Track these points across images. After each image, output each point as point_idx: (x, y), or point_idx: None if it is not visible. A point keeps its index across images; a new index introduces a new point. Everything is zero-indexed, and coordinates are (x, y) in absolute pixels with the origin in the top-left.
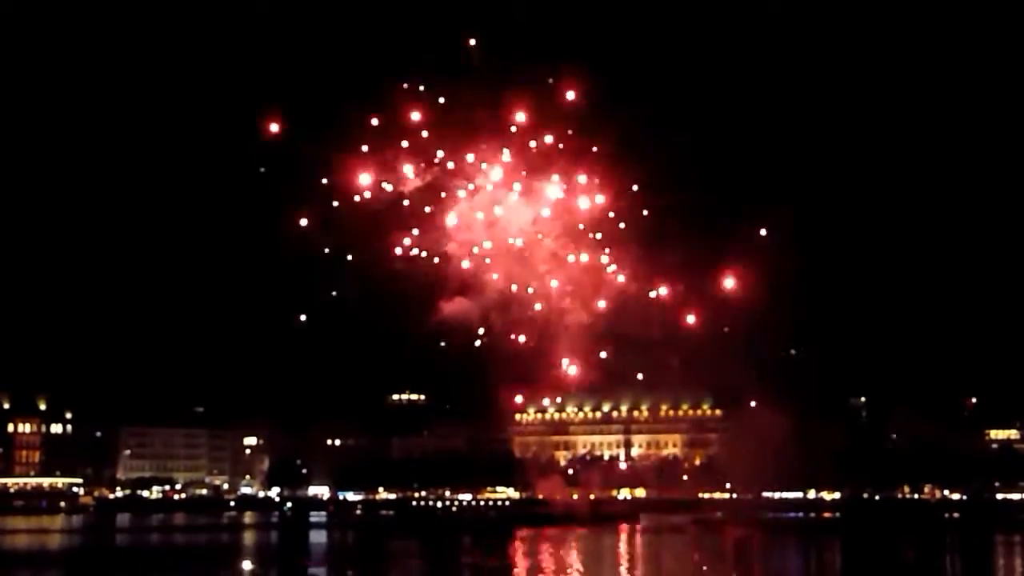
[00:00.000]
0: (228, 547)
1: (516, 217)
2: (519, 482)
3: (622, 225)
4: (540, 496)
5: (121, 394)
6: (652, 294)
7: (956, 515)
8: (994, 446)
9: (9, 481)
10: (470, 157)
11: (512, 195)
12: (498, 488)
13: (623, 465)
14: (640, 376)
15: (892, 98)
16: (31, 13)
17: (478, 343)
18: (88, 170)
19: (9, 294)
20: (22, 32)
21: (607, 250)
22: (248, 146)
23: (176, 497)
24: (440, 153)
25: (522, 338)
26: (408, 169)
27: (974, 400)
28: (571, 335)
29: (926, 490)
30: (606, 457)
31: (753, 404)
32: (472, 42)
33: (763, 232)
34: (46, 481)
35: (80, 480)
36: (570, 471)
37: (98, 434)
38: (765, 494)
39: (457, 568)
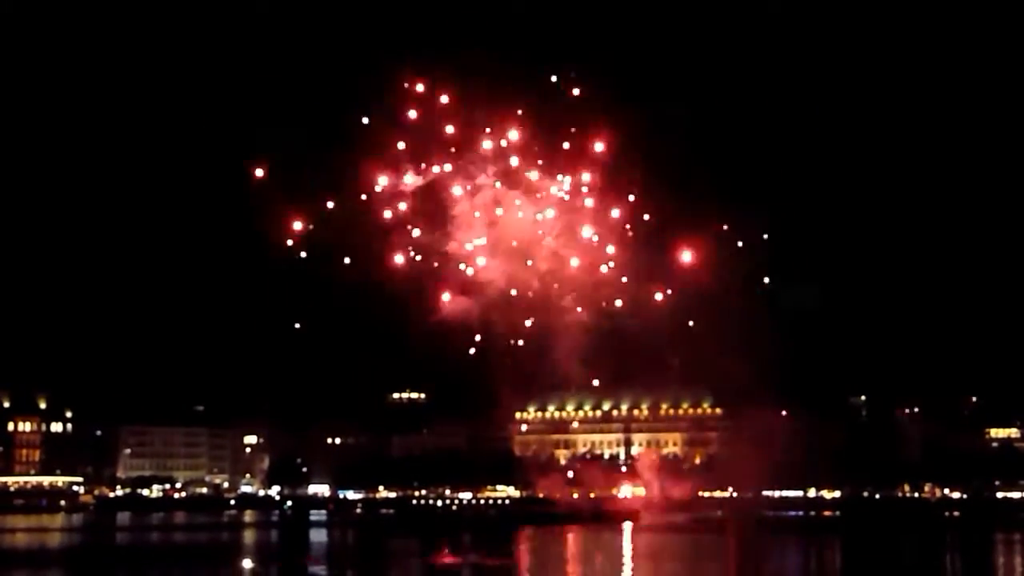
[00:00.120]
0: (228, 546)
1: (517, 217)
2: (519, 481)
3: (627, 226)
4: (540, 495)
5: (121, 393)
6: (658, 296)
7: (956, 514)
8: (994, 445)
9: (9, 480)
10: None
11: (513, 195)
12: (498, 487)
13: (623, 464)
14: (640, 375)
15: (892, 98)
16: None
17: (478, 342)
18: (88, 169)
19: (9, 293)
20: (22, 32)
21: (609, 250)
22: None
23: (176, 496)
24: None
25: (521, 342)
26: (408, 168)
27: (974, 399)
28: (571, 335)
29: (926, 489)
30: (606, 456)
31: (753, 403)
32: (472, 40)
33: (764, 235)
34: (46, 480)
35: (80, 479)
36: (570, 470)
37: (98, 433)
38: (765, 493)
39: (457, 567)
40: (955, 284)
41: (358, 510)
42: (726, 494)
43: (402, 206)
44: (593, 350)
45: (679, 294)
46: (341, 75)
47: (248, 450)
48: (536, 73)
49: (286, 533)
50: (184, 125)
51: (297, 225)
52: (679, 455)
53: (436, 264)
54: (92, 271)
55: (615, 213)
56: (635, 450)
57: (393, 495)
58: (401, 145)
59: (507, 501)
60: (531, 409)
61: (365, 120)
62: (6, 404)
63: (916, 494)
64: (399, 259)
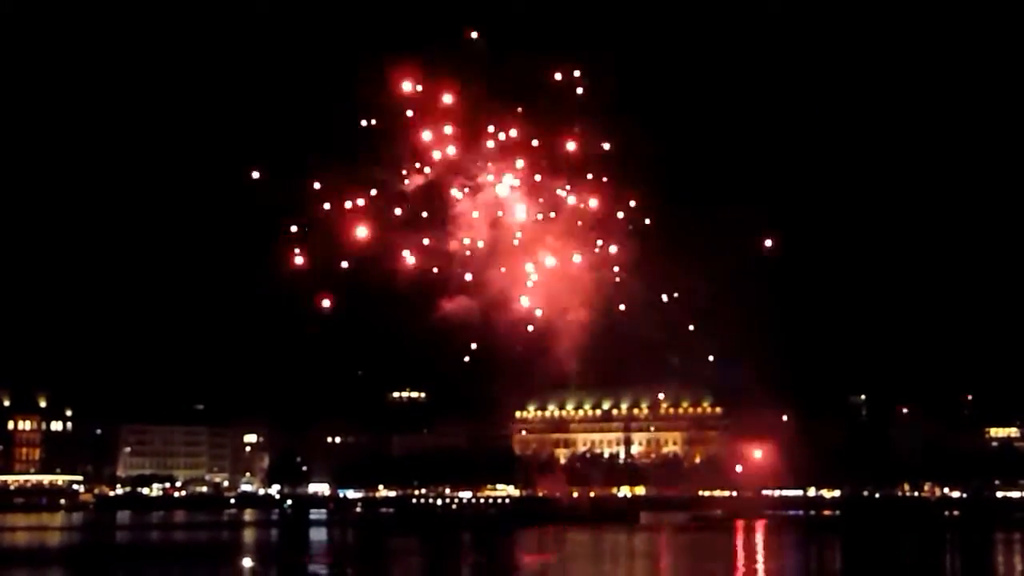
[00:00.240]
0: (228, 545)
1: (517, 216)
2: (519, 480)
3: (629, 227)
4: (540, 494)
5: (121, 391)
6: (664, 297)
7: (956, 513)
8: (994, 444)
9: (9, 478)
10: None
11: (514, 195)
12: (498, 486)
13: (623, 463)
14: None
15: (892, 98)
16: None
17: (478, 341)
18: (88, 168)
19: (9, 292)
20: (22, 33)
21: (611, 250)
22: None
23: (176, 494)
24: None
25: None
26: (408, 169)
27: (974, 398)
28: (571, 334)
29: (926, 488)
30: (606, 455)
31: (753, 403)
32: (475, 35)
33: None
34: (46, 478)
35: (80, 477)
36: (571, 469)
37: (98, 431)
38: (765, 492)
39: (457, 566)
40: (954, 284)
41: (358, 509)
42: (726, 493)
43: (398, 211)
44: (593, 350)
45: (683, 296)
46: (341, 75)
47: (248, 449)
48: (537, 73)
49: (286, 532)
50: (184, 125)
51: (291, 228)
52: (679, 454)
53: (436, 264)
54: (92, 270)
55: (619, 215)
56: (635, 449)
57: (393, 494)
58: (401, 146)
59: (507, 500)
60: (531, 408)
61: (364, 123)
62: (6, 402)
63: (916, 493)
64: (399, 259)
